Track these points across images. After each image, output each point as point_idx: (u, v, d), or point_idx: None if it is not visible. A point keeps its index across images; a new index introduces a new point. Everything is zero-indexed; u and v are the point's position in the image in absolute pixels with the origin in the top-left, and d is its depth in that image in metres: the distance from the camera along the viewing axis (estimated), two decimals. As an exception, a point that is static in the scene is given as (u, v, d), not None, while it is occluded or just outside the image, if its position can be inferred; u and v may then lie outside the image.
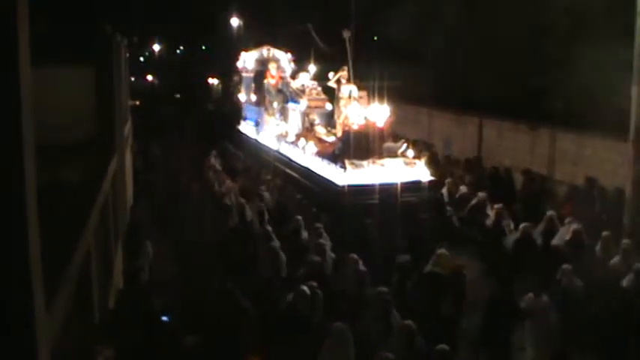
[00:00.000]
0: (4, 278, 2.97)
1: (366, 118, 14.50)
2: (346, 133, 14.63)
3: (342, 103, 15.44)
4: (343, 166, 13.47)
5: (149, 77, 49.78)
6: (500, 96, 18.54)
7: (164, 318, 7.80)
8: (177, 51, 56.54)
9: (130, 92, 18.45)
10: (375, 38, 27.13)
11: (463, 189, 14.47)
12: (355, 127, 14.50)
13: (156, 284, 9.71)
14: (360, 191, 13.19)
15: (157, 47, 55.47)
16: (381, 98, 15.04)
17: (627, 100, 12.07)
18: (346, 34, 17.04)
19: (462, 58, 20.59)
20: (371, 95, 15.37)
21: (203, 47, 50.21)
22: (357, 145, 14.11)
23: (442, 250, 9.41)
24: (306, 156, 15.52)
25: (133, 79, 31.71)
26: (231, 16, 39.94)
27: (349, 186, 13.25)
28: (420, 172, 13.81)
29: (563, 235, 11.20)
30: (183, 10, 41.15)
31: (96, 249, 6.78)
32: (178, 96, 42.01)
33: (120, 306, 7.85)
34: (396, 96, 14.68)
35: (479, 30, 19.71)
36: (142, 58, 53.17)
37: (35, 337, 3.09)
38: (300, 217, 11.43)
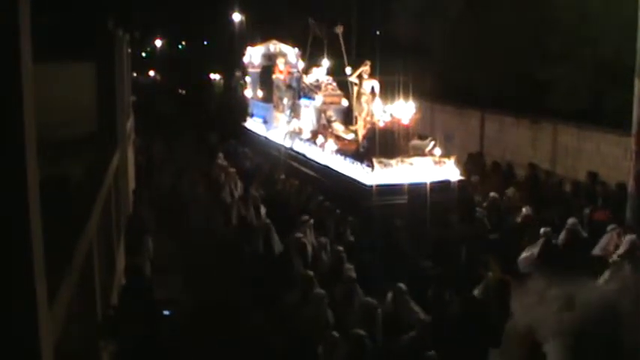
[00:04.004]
0: (7, 275, 2.98)
1: (391, 114, 14.10)
2: (371, 131, 14.15)
3: (363, 99, 14.98)
4: (370, 165, 12.98)
5: (151, 73, 49.79)
6: (502, 90, 18.52)
7: (166, 313, 7.83)
8: (180, 46, 56.50)
9: (131, 88, 18.40)
10: (378, 33, 27.13)
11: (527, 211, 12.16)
12: (381, 124, 14.08)
13: (157, 280, 9.71)
14: (389, 191, 12.71)
15: (158, 43, 55.44)
16: (383, 93, 14.88)
17: (629, 94, 12.04)
18: (338, 30, 16.88)
19: (464, 52, 20.52)
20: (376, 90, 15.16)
21: (205, 43, 50.18)
22: (384, 143, 13.66)
23: (493, 273, 8.83)
24: (326, 154, 14.94)
25: (134, 74, 31.65)
26: (232, 12, 39.90)
27: (377, 185, 12.78)
28: (449, 171, 13.40)
29: (606, 244, 10.20)
30: (185, 5, 41.11)
31: (98, 245, 6.79)
32: (181, 92, 42.01)
33: (122, 302, 7.86)
34: (398, 90, 14.50)
35: (481, 24, 19.65)
36: (143, 54, 53.13)
37: (38, 334, 3.09)
38: (341, 248, 9.84)
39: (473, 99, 19.76)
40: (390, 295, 8.34)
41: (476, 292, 8.71)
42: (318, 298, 8.00)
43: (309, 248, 10.41)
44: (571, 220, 10.94)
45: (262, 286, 9.05)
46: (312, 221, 11.22)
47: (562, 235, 10.82)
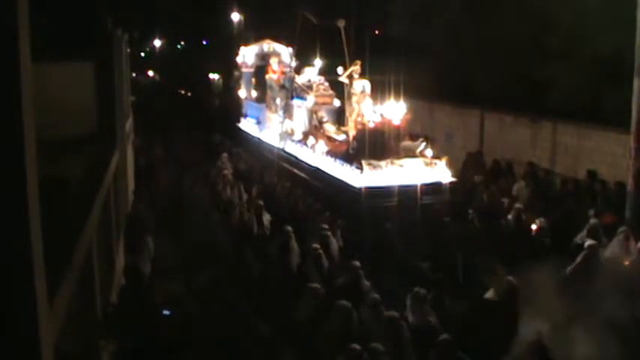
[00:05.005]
0: (6, 275, 2.98)
1: (381, 115, 13.88)
2: (361, 132, 13.89)
3: (354, 99, 14.67)
4: (360, 167, 12.73)
5: (150, 73, 49.82)
6: (502, 89, 18.52)
7: (165, 312, 7.82)
8: (178, 46, 56.50)
9: (131, 88, 18.38)
10: (377, 32, 27.12)
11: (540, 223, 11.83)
12: (371, 124, 13.88)
13: (157, 279, 9.70)
14: (378, 194, 12.48)
15: (157, 43, 55.45)
16: (379, 93, 14.75)
17: (629, 93, 12.05)
18: (340, 24, 16.67)
19: (464, 51, 20.53)
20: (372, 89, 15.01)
21: (204, 42, 50.18)
22: (374, 145, 13.43)
23: (507, 278, 8.53)
24: (316, 155, 14.71)
25: (134, 74, 31.68)
26: (231, 11, 39.91)
27: (367, 188, 12.54)
28: (440, 173, 13.14)
29: (617, 248, 10.05)
30: (183, 5, 41.11)
31: (98, 245, 6.79)
32: (181, 92, 42.05)
33: (122, 301, 7.86)
34: (390, 89, 14.36)
35: (480, 23, 19.66)
36: (142, 54, 53.13)
37: (38, 334, 3.09)
38: (358, 264, 9.11)
39: (472, 98, 19.76)
40: (408, 301, 8.07)
41: (487, 295, 8.58)
42: (344, 310, 7.60)
43: (325, 262, 9.92)
44: (593, 221, 10.85)
45: (273, 294, 8.81)
46: (327, 231, 10.70)
47: (583, 235, 10.70)
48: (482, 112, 19.23)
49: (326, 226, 10.92)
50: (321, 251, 9.92)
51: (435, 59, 21.37)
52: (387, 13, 24.40)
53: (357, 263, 9.12)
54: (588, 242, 9.90)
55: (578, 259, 9.50)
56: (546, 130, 16.83)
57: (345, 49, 15.98)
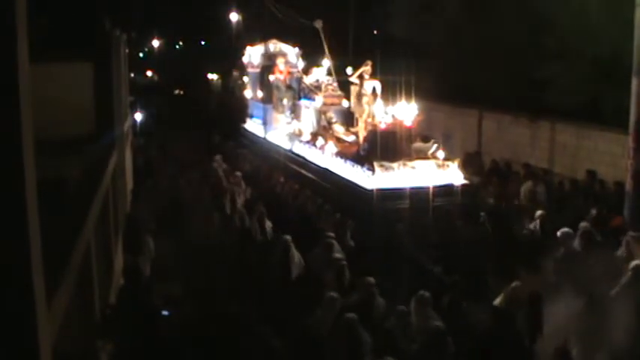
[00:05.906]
0: (5, 276, 2.97)
1: (393, 116, 13.78)
2: (372, 133, 13.79)
3: (364, 100, 14.57)
4: (371, 169, 12.65)
5: (149, 73, 49.74)
6: (500, 89, 18.51)
7: (164, 313, 7.81)
8: (177, 47, 56.46)
9: (129, 88, 18.36)
10: (375, 32, 27.15)
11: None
12: (382, 126, 13.76)
13: (157, 279, 9.69)
14: (390, 196, 12.40)
15: (156, 43, 55.43)
16: (384, 93, 14.69)
17: (628, 93, 12.05)
18: (317, 24, 16.53)
19: (462, 51, 20.51)
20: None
21: (202, 43, 50.18)
22: (385, 146, 13.32)
23: (516, 284, 8.45)
24: (326, 156, 14.60)
25: (132, 75, 31.62)
26: (230, 11, 39.89)
27: (378, 190, 12.44)
28: (452, 175, 13.08)
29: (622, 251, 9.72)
30: (182, 5, 41.11)
31: (96, 245, 6.78)
32: (180, 92, 42.00)
33: (121, 302, 7.85)
34: (400, 90, 14.29)
35: (479, 23, 19.65)
36: (141, 54, 53.07)
37: (37, 335, 3.09)
38: (372, 281, 8.59)
39: (471, 98, 19.74)
40: (412, 304, 7.94)
41: (497, 301, 8.46)
42: (349, 322, 7.47)
43: (347, 273, 9.53)
44: (583, 224, 10.58)
45: (273, 299, 8.72)
46: (331, 237, 10.49)
47: (577, 240, 10.32)
48: (480, 112, 19.22)
49: (331, 234, 10.59)
50: (344, 262, 9.56)
51: (435, 59, 21.35)
52: (386, 13, 24.38)
53: (372, 280, 8.69)
54: (634, 263, 9.02)
55: (624, 280, 8.85)
56: (545, 129, 16.83)
57: (326, 49, 15.84)
